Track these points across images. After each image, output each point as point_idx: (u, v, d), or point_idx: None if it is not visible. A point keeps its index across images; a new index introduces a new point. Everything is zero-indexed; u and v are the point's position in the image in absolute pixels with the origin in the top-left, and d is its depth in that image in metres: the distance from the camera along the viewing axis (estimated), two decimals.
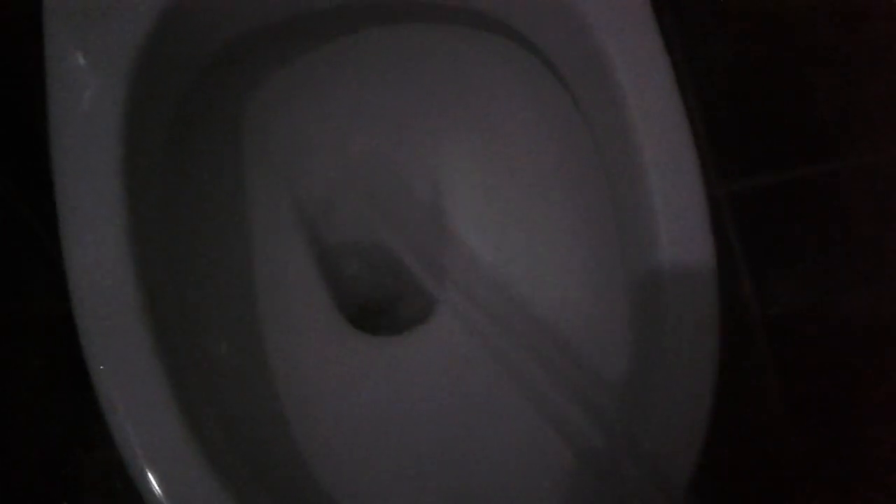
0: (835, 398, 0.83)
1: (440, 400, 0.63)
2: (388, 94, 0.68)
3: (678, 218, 0.48)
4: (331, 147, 0.69)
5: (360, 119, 0.69)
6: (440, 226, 0.69)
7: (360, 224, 0.70)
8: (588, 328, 0.61)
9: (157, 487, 0.45)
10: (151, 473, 0.45)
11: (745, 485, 0.81)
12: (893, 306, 0.85)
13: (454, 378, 0.64)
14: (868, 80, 0.90)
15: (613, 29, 0.51)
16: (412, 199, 0.71)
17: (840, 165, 0.88)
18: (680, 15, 0.88)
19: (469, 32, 0.63)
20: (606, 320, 0.59)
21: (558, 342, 0.62)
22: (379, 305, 0.72)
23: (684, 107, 0.50)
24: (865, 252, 0.86)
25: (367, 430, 0.62)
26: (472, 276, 0.67)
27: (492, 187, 0.68)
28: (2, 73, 0.75)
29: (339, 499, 0.57)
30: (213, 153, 0.64)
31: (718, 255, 0.48)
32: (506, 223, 0.68)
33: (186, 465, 0.46)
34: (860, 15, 0.88)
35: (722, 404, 0.48)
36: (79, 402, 0.84)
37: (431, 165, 0.69)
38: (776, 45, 0.90)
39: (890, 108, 0.89)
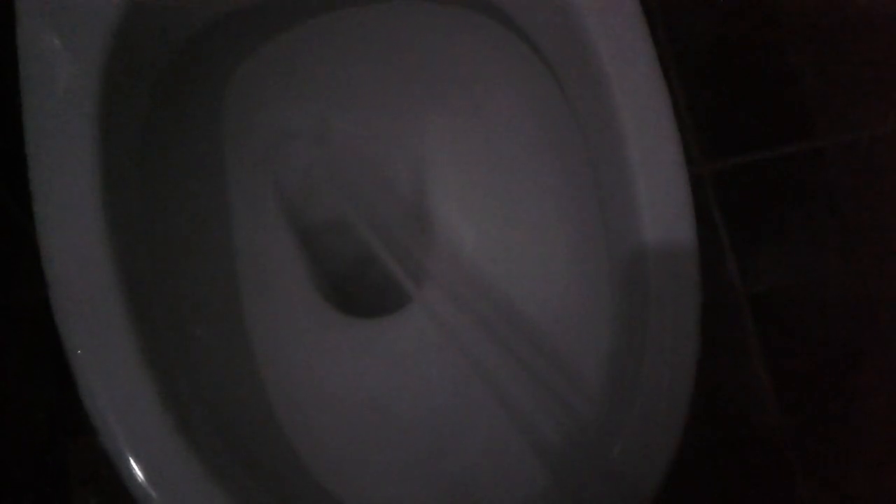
0: (820, 375, 0.83)
1: (424, 382, 0.63)
2: (370, 75, 0.67)
3: (660, 197, 0.48)
4: (311, 129, 0.69)
5: (341, 101, 0.68)
6: (422, 209, 0.69)
7: (341, 208, 0.70)
8: (568, 320, 0.61)
9: (139, 474, 0.45)
10: (133, 460, 0.45)
11: (731, 464, 0.81)
12: (877, 283, 0.85)
13: (438, 361, 0.64)
14: (850, 57, 0.90)
15: (597, 9, 0.51)
16: (393, 184, 0.71)
17: (823, 143, 0.88)
18: None
19: (453, 12, 0.63)
20: (587, 311, 0.59)
21: (536, 337, 0.62)
22: (362, 287, 0.72)
23: (667, 86, 0.49)
24: (849, 228, 0.86)
25: (352, 412, 0.62)
26: (453, 263, 0.67)
27: (475, 170, 0.68)
28: None
29: (325, 481, 0.57)
30: (191, 135, 0.63)
31: (703, 234, 0.48)
32: (488, 207, 0.67)
33: (169, 450, 0.45)
34: None
35: (707, 383, 0.48)
36: (62, 389, 0.84)
37: (414, 148, 0.69)
38: (759, 23, 0.90)
39: (872, 85, 0.89)
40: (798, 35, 0.89)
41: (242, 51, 0.63)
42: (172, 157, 0.60)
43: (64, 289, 0.47)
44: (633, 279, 0.49)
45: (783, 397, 0.83)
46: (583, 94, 0.53)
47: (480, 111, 0.67)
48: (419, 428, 0.62)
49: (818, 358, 0.84)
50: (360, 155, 0.70)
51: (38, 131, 0.49)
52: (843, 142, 0.88)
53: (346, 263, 0.72)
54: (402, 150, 0.69)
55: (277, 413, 0.59)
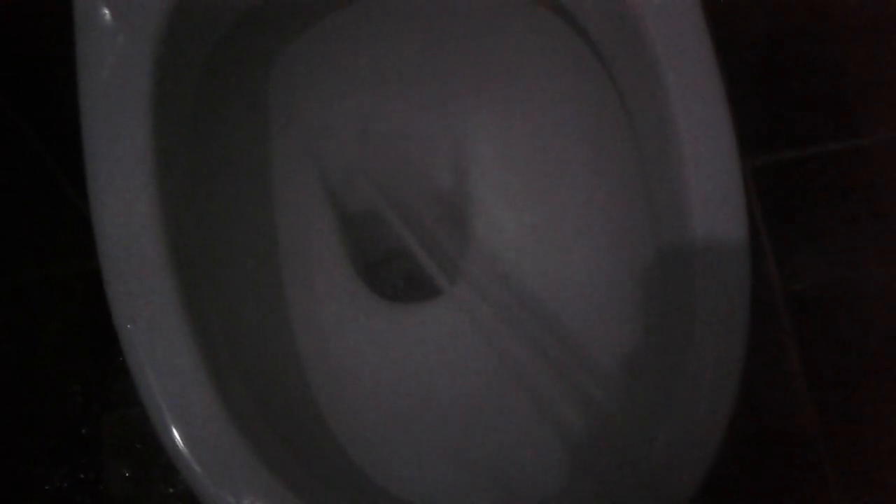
0: (856, 375, 0.82)
1: (459, 368, 0.64)
2: (415, 59, 0.67)
3: (713, 194, 0.47)
4: (354, 112, 0.69)
5: (384, 86, 0.68)
6: (462, 198, 0.69)
7: (379, 200, 0.70)
8: (603, 314, 0.61)
9: (181, 444, 0.46)
10: (177, 430, 0.46)
11: (763, 461, 0.81)
12: None
13: (473, 348, 0.64)
14: None
15: (655, 2, 0.50)
16: (433, 172, 0.71)
17: (867, 140, 0.87)
18: None
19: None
20: (625, 306, 0.59)
21: (571, 330, 0.62)
22: (402, 273, 0.72)
23: (722, 83, 0.49)
24: (890, 228, 0.85)
25: (387, 392, 0.63)
26: (492, 252, 0.67)
27: (517, 161, 0.67)
28: (30, 37, 0.76)
29: (357, 458, 0.58)
30: (239, 115, 0.64)
31: None
32: (529, 198, 0.67)
33: (212, 423, 0.46)
34: None
35: (742, 379, 0.47)
36: (98, 362, 0.85)
37: (456, 136, 0.69)
38: (805, 18, 0.89)
39: None
40: (844, 30, 0.88)
41: (290, 32, 0.64)
42: (220, 136, 0.61)
43: (116, 263, 0.47)
44: (679, 275, 0.49)
45: (818, 396, 0.82)
46: (636, 87, 0.53)
47: (525, 97, 0.66)
48: (452, 412, 0.62)
49: (854, 357, 0.83)
50: (401, 142, 0.70)
51: (92, 106, 0.50)
52: (888, 139, 0.87)
53: (387, 249, 0.72)
54: (444, 139, 0.69)
55: (314, 389, 0.60)
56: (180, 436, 0.46)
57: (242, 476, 0.46)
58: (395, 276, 0.73)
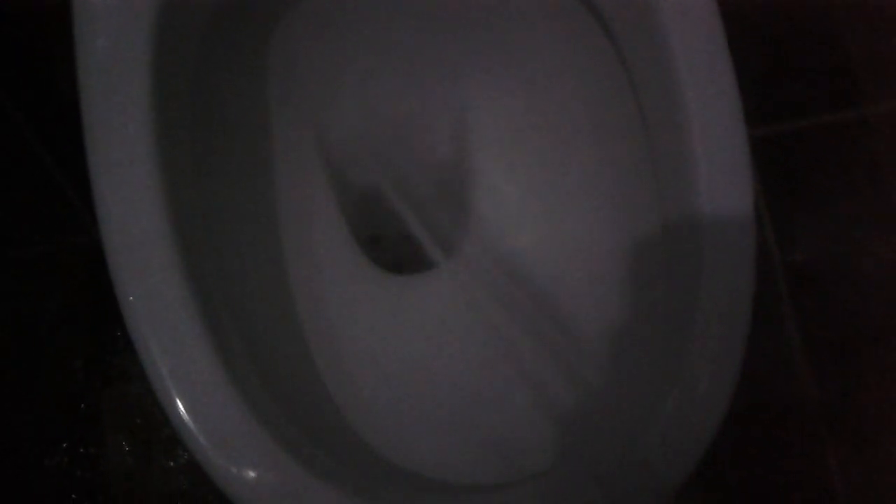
0: (854, 347, 0.83)
1: (458, 339, 0.64)
2: (417, 31, 0.66)
3: (719, 165, 0.47)
4: (355, 85, 0.69)
5: (385, 57, 0.68)
6: (464, 167, 0.69)
7: (379, 175, 0.70)
8: (607, 289, 0.61)
9: (186, 415, 0.46)
10: (181, 402, 0.46)
11: (761, 435, 0.81)
12: None
13: (473, 319, 0.64)
14: None
15: None
16: (435, 144, 0.71)
17: (868, 112, 0.87)
18: None
19: None
20: (628, 280, 0.59)
21: (572, 307, 0.62)
22: (401, 243, 0.72)
23: (731, 57, 0.48)
24: (890, 200, 0.85)
25: (388, 364, 0.63)
26: (495, 224, 0.67)
27: (521, 132, 0.67)
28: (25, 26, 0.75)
29: (360, 426, 0.58)
30: (239, 89, 0.63)
31: None
32: (533, 170, 0.67)
33: (216, 393, 0.46)
34: None
35: None
36: (98, 338, 0.85)
37: (459, 106, 0.69)
38: None
39: None
40: (846, 2, 0.88)
41: (289, 4, 0.63)
42: (222, 109, 0.60)
43: (118, 236, 0.47)
44: (685, 247, 0.48)
45: (816, 367, 0.82)
46: (643, 58, 0.52)
47: (529, 74, 0.66)
48: (452, 384, 0.62)
49: (852, 329, 0.83)
50: (403, 114, 0.70)
51: (91, 79, 0.49)
52: (889, 111, 0.87)
53: (387, 220, 0.72)
54: (447, 110, 0.69)
55: (316, 359, 0.60)
56: (184, 407, 0.46)
57: (247, 446, 0.46)
58: (395, 246, 0.73)
